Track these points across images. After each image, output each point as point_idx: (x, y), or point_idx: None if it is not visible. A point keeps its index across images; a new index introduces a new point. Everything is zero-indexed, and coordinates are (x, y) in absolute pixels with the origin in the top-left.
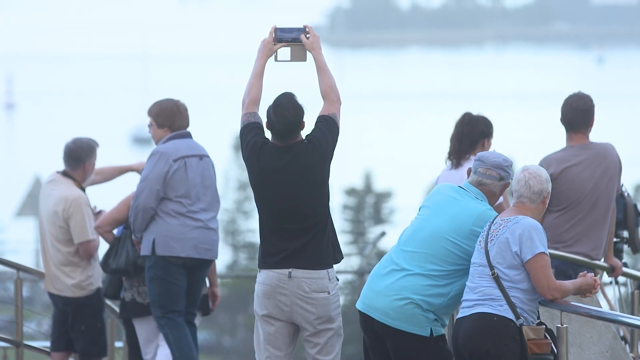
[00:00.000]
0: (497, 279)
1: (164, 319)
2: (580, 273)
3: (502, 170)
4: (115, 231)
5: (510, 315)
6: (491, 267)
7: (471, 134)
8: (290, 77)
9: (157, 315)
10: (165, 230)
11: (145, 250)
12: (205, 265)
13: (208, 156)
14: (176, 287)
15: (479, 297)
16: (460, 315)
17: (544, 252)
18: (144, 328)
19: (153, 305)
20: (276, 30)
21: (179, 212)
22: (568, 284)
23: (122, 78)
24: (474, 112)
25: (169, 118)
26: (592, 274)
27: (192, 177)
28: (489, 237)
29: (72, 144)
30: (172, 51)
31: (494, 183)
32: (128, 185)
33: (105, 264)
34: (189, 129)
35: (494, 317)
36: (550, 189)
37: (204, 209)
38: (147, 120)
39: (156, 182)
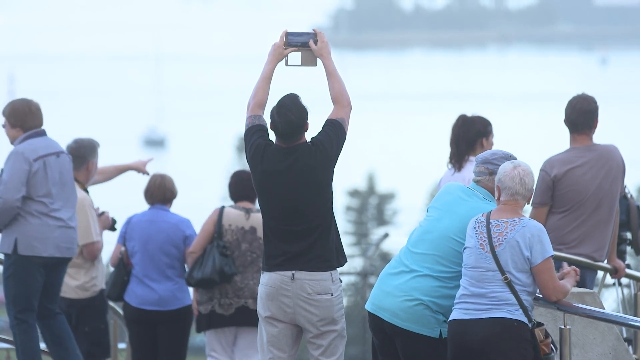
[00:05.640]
0: (509, 283)
1: (17, 320)
2: (563, 270)
3: (489, 164)
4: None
5: (525, 319)
6: (502, 272)
7: (467, 135)
8: (297, 78)
9: (11, 313)
10: (27, 230)
11: (6, 248)
12: (65, 262)
13: (64, 152)
14: (33, 287)
15: (493, 302)
16: (466, 317)
17: (551, 255)
18: (216, 338)
19: (7, 303)
20: (287, 34)
21: (41, 212)
22: (566, 283)
23: (122, 78)
24: (469, 114)
25: (21, 118)
26: (572, 267)
27: (52, 175)
28: (494, 240)
29: (73, 144)
30: (174, 52)
31: (486, 178)
32: (130, 184)
33: (189, 276)
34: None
35: (514, 322)
36: None
37: (64, 207)
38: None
39: (19, 181)
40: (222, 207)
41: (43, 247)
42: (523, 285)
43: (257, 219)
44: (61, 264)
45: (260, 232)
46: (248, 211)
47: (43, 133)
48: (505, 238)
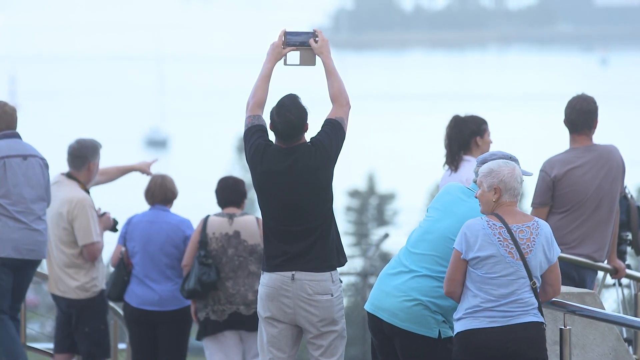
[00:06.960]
0: (535, 289)
1: None
2: None
3: None
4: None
5: (544, 321)
6: (531, 278)
7: (460, 136)
8: (296, 78)
9: None
10: None
11: None
12: (31, 265)
13: (36, 156)
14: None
15: (523, 308)
16: (493, 325)
17: None
18: (214, 345)
19: None
20: (285, 33)
21: (1, 213)
22: None
23: (123, 78)
24: (462, 114)
25: None
26: None
27: (12, 177)
28: (522, 246)
29: (75, 144)
30: (174, 52)
31: None
32: (131, 185)
33: (182, 288)
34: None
35: (542, 324)
36: None
37: (28, 209)
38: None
39: None
40: (207, 217)
41: (1, 247)
42: (539, 288)
43: (240, 222)
44: (26, 267)
45: (244, 235)
46: (231, 216)
47: (12, 135)
48: (534, 244)
